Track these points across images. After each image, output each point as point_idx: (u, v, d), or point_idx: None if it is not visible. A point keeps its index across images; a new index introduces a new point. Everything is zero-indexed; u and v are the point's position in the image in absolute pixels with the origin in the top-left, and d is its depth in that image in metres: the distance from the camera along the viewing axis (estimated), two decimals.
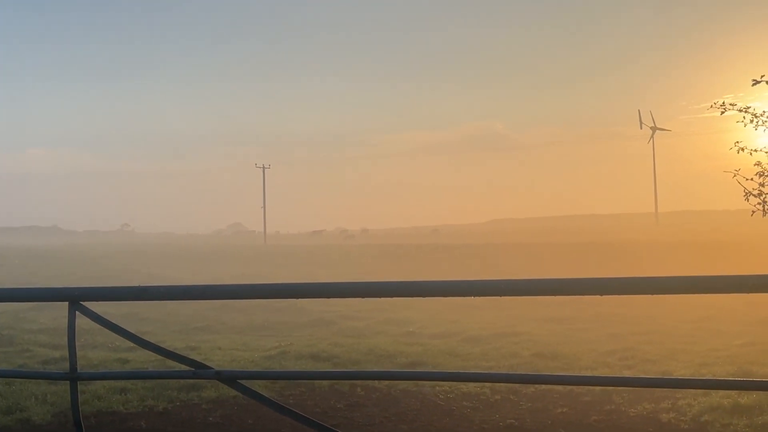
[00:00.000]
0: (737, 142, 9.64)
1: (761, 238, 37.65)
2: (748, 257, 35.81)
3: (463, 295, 4.66)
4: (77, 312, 4.96)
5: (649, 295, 4.46)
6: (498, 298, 4.66)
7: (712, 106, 9.95)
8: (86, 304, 5.01)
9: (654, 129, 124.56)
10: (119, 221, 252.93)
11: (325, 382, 10.01)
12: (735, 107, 9.76)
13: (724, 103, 9.83)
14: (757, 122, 9.56)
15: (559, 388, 9.48)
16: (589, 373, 11.07)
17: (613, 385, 9.21)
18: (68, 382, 5.18)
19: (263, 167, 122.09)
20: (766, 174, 9.37)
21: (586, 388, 9.38)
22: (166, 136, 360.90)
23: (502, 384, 9.60)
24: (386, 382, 9.95)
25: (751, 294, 4.21)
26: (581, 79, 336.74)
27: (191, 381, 9.46)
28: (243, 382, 5.29)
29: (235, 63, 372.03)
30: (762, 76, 9.09)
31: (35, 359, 13.72)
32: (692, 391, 8.85)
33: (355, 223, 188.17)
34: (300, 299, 5.22)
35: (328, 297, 5.06)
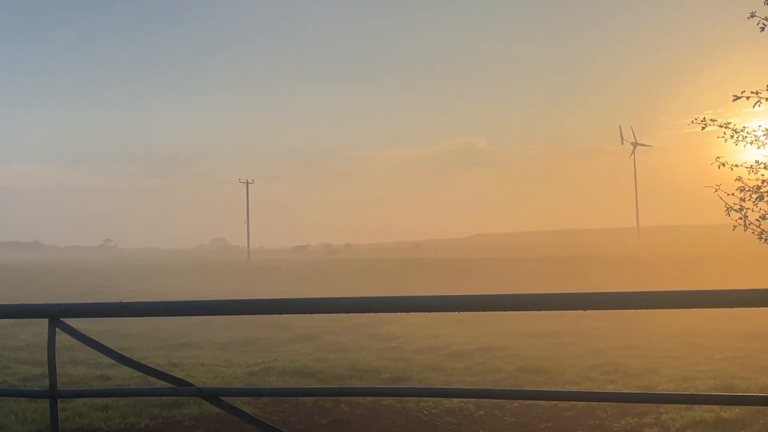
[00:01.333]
0: (718, 157, 9.72)
1: (741, 252, 37.91)
2: (729, 272, 36.04)
3: (449, 311, 4.65)
4: (57, 329, 4.92)
5: (631, 310, 4.47)
6: (481, 312, 4.65)
7: (693, 122, 10.02)
8: (66, 320, 4.96)
9: (635, 144, 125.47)
10: (101, 237, 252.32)
11: (308, 398, 9.97)
12: (715, 123, 9.84)
13: (704, 118, 9.92)
14: (737, 137, 9.65)
15: (543, 403, 9.48)
16: (572, 388, 11.08)
17: (596, 400, 9.22)
18: (48, 399, 5.11)
19: (247, 182, 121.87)
20: (746, 189, 9.44)
21: (570, 402, 9.39)
22: (148, 151, 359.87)
23: (486, 399, 9.59)
24: (370, 398, 9.92)
25: (730, 309, 4.23)
26: (562, 95, 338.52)
27: (173, 398, 9.40)
28: (225, 399, 5.25)
29: (219, 78, 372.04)
30: (742, 92, 9.19)
31: (16, 376, 13.56)
32: (675, 405, 8.88)
33: (339, 238, 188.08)
34: (283, 315, 5.19)
35: (313, 312, 5.04)
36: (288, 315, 5.16)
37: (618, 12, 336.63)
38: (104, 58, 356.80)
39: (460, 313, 4.69)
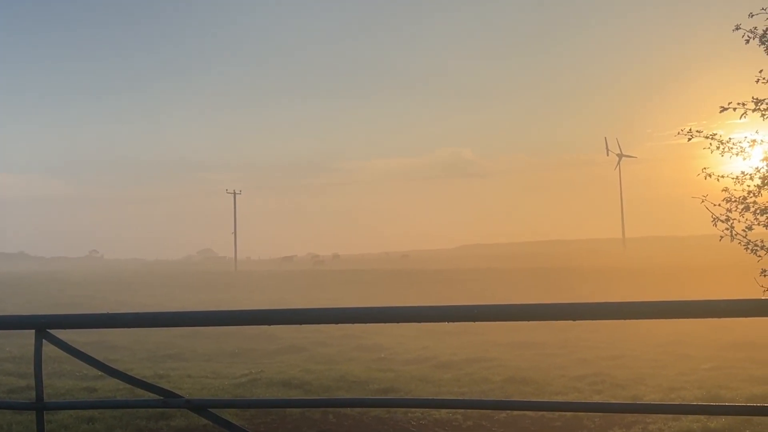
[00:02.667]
0: (704, 168, 9.77)
1: (727, 262, 38.09)
2: (715, 282, 36.20)
3: (437, 321, 4.64)
4: (44, 340, 4.88)
5: (616, 321, 4.47)
6: (467, 323, 4.65)
7: (679, 133, 10.08)
8: (53, 331, 4.93)
9: (620, 156, 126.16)
10: (88, 247, 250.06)
11: (296, 410, 9.93)
12: (701, 134, 9.90)
13: (690, 130, 9.98)
14: (723, 149, 9.71)
15: (531, 413, 9.49)
16: (559, 398, 11.09)
17: (583, 411, 9.23)
18: (34, 412, 5.07)
19: (234, 193, 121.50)
20: (733, 200, 9.49)
21: (558, 413, 9.40)
22: (135, 162, 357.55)
23: (474, 410, 9.58)
24: (358, 409, 9.89)
25: (716, 319, 4.24)
26: (549, 107, 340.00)
27: (160, 410, 9.34)
28: (214, 410, 5.22)
29: (206, 89, 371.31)
30: (729, 103, 9.26)
31: (1, 388, 13.47)
32: (662, 415, 8.90)
33: (326, 249, 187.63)
34: (270, 326, 5.17)
35: (300, 324, 5.03)
36: (275, 326, 5.14)
37: (603, 25, 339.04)
38: (92, 69, 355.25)
39: (448, 323, 4.69)
